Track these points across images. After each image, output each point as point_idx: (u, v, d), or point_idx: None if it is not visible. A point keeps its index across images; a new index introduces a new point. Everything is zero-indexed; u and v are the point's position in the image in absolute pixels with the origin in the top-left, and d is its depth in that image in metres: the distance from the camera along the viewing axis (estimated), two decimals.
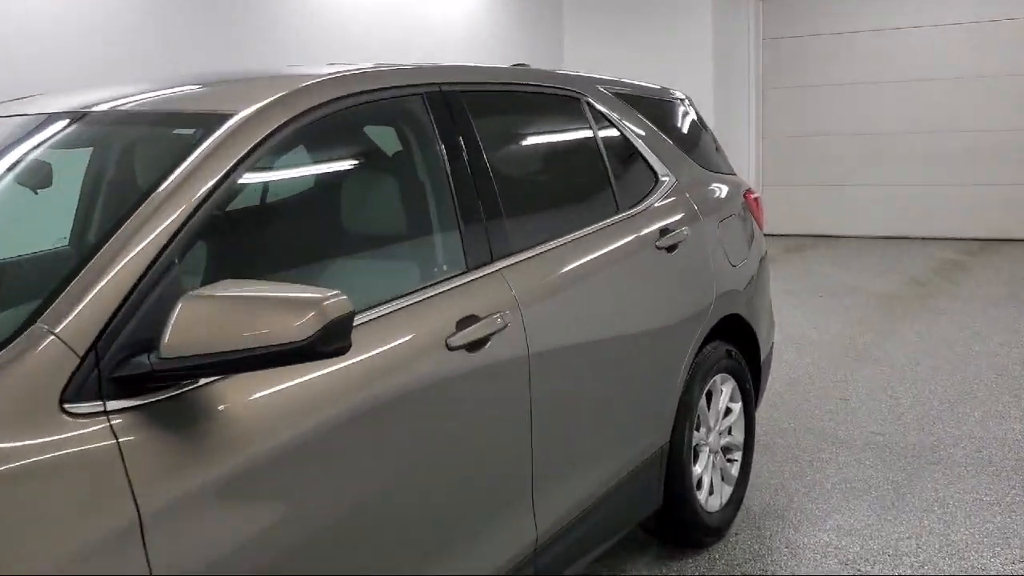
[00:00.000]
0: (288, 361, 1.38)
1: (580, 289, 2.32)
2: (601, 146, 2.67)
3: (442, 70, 2.22)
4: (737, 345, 3.12)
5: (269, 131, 1.70)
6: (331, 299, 1.38)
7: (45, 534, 1.22)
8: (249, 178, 1.70)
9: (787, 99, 9.79)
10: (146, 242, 1.47)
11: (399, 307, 1.82)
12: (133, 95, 2.00)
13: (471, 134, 2.16)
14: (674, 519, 2.80)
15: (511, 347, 2.01)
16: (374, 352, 1.72)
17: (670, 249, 2.71)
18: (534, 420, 2.08)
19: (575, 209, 2.54)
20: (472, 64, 2.41)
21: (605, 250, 2.46)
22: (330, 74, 1.93)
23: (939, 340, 5.37)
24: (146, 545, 1.31)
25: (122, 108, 1.94)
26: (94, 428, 1.31)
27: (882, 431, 3.93)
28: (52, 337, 1.32)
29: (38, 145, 1.96)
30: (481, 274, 2.03)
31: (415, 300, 1.86)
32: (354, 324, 1.69)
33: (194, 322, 1.36)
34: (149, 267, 1.45)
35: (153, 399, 1.39)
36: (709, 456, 2.94)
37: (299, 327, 1.35)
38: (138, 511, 1.31)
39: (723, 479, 3.04)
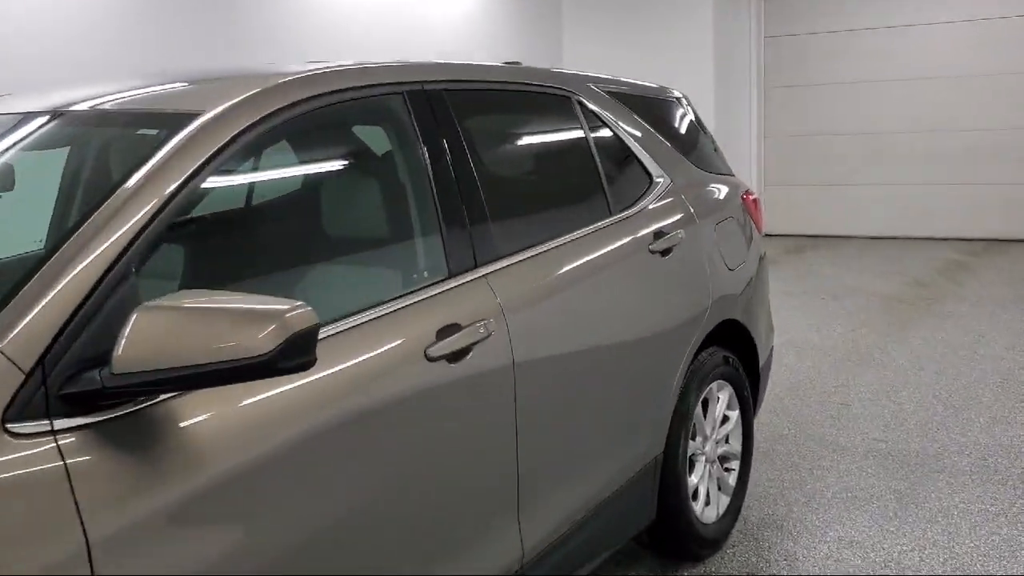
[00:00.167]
0: (248, 377, 1.29)
1: (569, 295, 2.23)
2: (593, 146, 2.58)
3: (424, 68, 2.13)
4: (735, 351, 3.03)
5: (237, 132, 1.62)
6: (294, 311, 1.29)
7: None
8: (215, 181, 1.61)
9: (788, 98, 9.68)
10: (101, 249, 1.39)
11: (376, 316, 1.74)
12: (105, 94, 1.91)
13: (455, 134, 2.07)
14: (668, 532, 2.71)
15: (495, 357, 1.93)
16: (347, 364, 1.64)
17: (664, 253, 2.62)
18: (520, 433, 2.00)
19: (565, 212, 2.45)
20: (457, 62, 2.32)
21: (596, 254, 2.37)
22: (303, 72, 1.85)
23: (943, 343, 5.27)
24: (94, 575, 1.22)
25: (91, 108, 1.85)
26: (39, 449, 1.23)
27: (884, 438, 3.84)
28: None
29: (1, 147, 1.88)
30: (464, 280, 1.95)
31: (393, 308, 1.78)
32: (327, 335, 1.63)
33: (148, 335, 1.27)
34: (103, 276, 1.37)
35: (106, 417, 1.31)
36: (705, 466, 2.85)
37: (259, 341, 1.26)
38: (86, 538, 1.23)
39: (720, 489, 2.95)
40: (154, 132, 1.64)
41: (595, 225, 2.43)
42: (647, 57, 8.84)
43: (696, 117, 3.34)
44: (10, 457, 1.20)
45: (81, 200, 1.97)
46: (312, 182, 2.04)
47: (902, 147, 9.25)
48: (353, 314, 1.71)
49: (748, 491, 3.21)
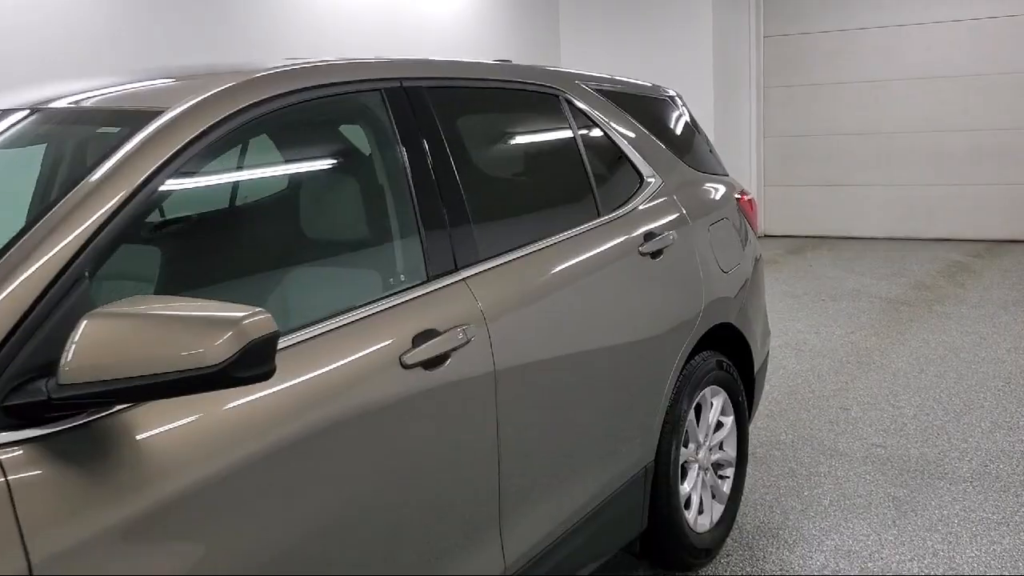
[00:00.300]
0: (201, 388, 1.22)
1: (555, 299, 2.16)
2: (581, 146, 2.51)
3: (403, 65, 2.06)
4: (729, 355, 2.96)
5: (200, 130, 1.55)
6: (251, 318, 1.23)
7: None
8: (178, 182, 1.54)
9: (788, 97, 9.60)
10: (52, 253, 1.32)
11: (349, 321, 1.67)
12: (82, 91, 1.84)
13: (435, 133, 2.00)
14: (660, 541, 2.63)
15: (475, 363, 1.85)
16: (318, 372, 1.57)
17: (655, 255, 2.55)
18: (501, 443, 1.93)
19: (551, 213, 2.38)
20: (438, 58, 2.25)
21: (583, 257, 2.30)
22: (273, 68, 1.78)
23: (945, 346, 5.19)
24: None
25: (63, 106, 1.78)
26: None
27: (884, 443, 3.76)
28: None
29: None
30: (443, 284, 1.88)
31: (367, 313, 1.71)
32: (297, 341, 1.56)
33: (98, 343, 1.20)
34: (53, 281, 1.30)
35: (54, 429, 1.24)
36: (698, 473, 2.78)
37: (214, 350, 1.20)
38: (28, 560, 1.16)
39: (714, 497, 2.88)
40: (115, 130, 1.57)
41: (583, 227, 2.36)
42: (646, 56, 8.77)
43: (690, 116, 3.27)
44: None
45: (41, 200, 1.90)
46: (284, 183, 1.97)
47: (904, 147, 9.16)
48: (325, 319, 1.64)
49: (743, 498, 3.14)
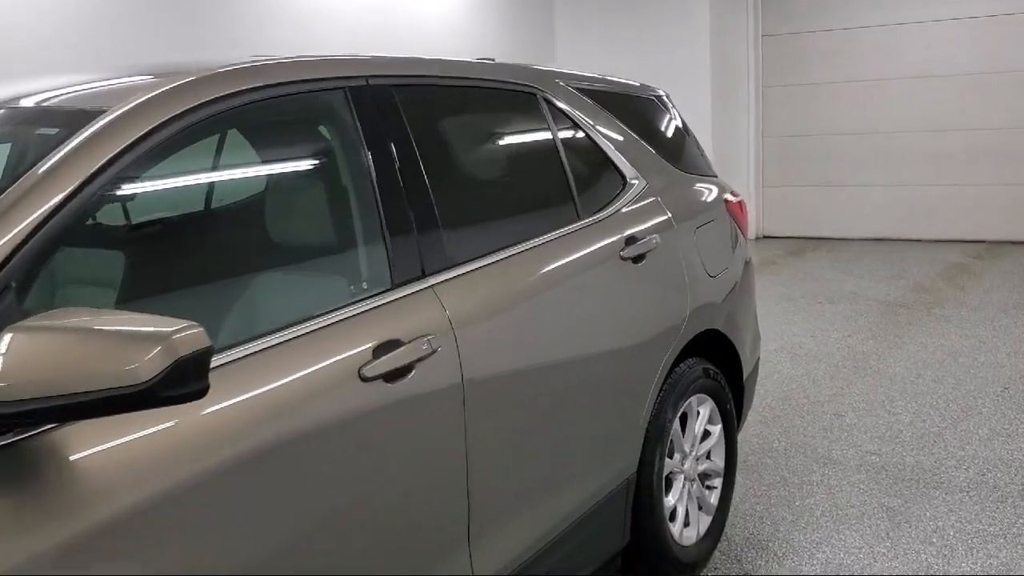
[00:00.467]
0: (126, 408, 1.14)
1: (529, 307, 2.07)
2: (559, 146, 2.42)
3: (369, 62, 1.97)
4: (717, 362, 2.87)
5: (143, 132, 1.46)
6: (181, 332, 1.14)
7: None
8: (117, 186, 1.46)
9: (787, 97, 9.50)
10: None
11: (305, 332, 1.58)
12: (45, 90, 1.75)
13: (403, 133, 1.91)
14: (643, 555, 2.55)
15: (441, 375, 1.77)
16: (270, 387, 1.48)
17: (637, 259, 2.46)
18: (470, 458, 1.84)
19: (526, 217, 2.29)
20: (407, 55, 2.16)
21: (560, 262, 2.21)
22: (230, 65, 1.69)
23: (942, 350, 5.10)
24: None
25: (22, 105, 1.70)
26: None
27: (878, 451, 3.67)
28: None
29: None
30: (408, 292, 1.79)
31: (326, 323, 1.62)
32: (246, 354, 1.48)
33: (19, 359, 1.12)
34: None
35: None
36: (684, 484, 2.69)
37: (140, 367, 1.11)
38: None
39: (701, 508, 2.79)
40: (53, 132, 1.49)
41: (560, 231, 2.27)
42: (643, 55, 8.69)
43: (679, 116, 3.18)
44: None
45: None
46: (240, 185, 1.88)
47: (903, 147, 9.06)
48: (280, 329, 1.56)
49: (732, 508, 3.06)
